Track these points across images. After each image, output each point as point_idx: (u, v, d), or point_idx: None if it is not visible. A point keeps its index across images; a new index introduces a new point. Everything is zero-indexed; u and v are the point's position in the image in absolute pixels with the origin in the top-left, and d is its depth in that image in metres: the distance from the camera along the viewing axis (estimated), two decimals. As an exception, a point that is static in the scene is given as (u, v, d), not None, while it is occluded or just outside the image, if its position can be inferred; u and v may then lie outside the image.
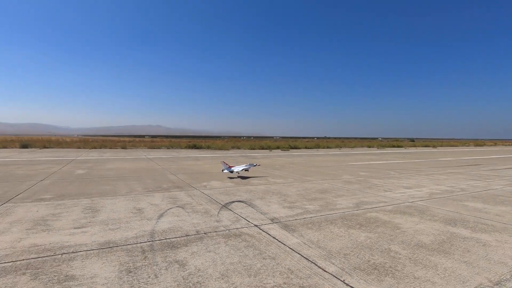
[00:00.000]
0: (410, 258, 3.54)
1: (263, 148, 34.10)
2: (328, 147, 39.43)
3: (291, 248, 3.80)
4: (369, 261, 3.44)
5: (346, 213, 5.66)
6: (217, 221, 4.96)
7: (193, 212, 5.52)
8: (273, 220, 5.08)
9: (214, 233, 4.35)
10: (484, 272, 3.20)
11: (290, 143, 40.57)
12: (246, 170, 10.43)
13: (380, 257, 3.55)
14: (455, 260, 3.51)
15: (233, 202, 6.45)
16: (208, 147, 32.61)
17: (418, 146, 49.02)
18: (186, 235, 4.24)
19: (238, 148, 34.20)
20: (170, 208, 5.79)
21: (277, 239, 4.13)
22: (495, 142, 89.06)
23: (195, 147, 32.69)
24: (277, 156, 22.36)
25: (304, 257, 3.52)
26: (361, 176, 11.20)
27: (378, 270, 3.21)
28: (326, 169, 13.60)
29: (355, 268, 3.26)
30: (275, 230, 4.56)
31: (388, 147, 44.35)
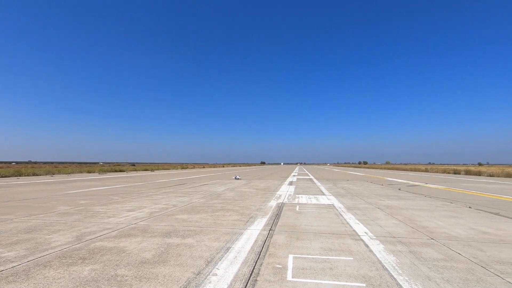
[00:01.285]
0: (136, 277, 3.80)
1: None
2: (35, 174, 31.75)
3: (-20, 318, 2.75)
4: (95, 294, 3.29)
5: (65, 249, 4.95)
6: None
7: None
8: None
9: None
10: (191, 268, 4.15)
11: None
12: None
13: (107, 286, 3.50)
14: (171, 265, 4.24)
15: None
16: None
17: (139, 170, 52.45)
18: None
19: None
20: None
21: (-50, 315, 2.81)
22: (194, 165, 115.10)
23: None
24: None
25: (5, 322, 2.69)
26: (81, 205, 10.17)
27: (106, 299, 3.16)
28: (34, 201, 10.94)
29: (80, 307, 2.99)
30: None
31: (110, 171, 43.51)
